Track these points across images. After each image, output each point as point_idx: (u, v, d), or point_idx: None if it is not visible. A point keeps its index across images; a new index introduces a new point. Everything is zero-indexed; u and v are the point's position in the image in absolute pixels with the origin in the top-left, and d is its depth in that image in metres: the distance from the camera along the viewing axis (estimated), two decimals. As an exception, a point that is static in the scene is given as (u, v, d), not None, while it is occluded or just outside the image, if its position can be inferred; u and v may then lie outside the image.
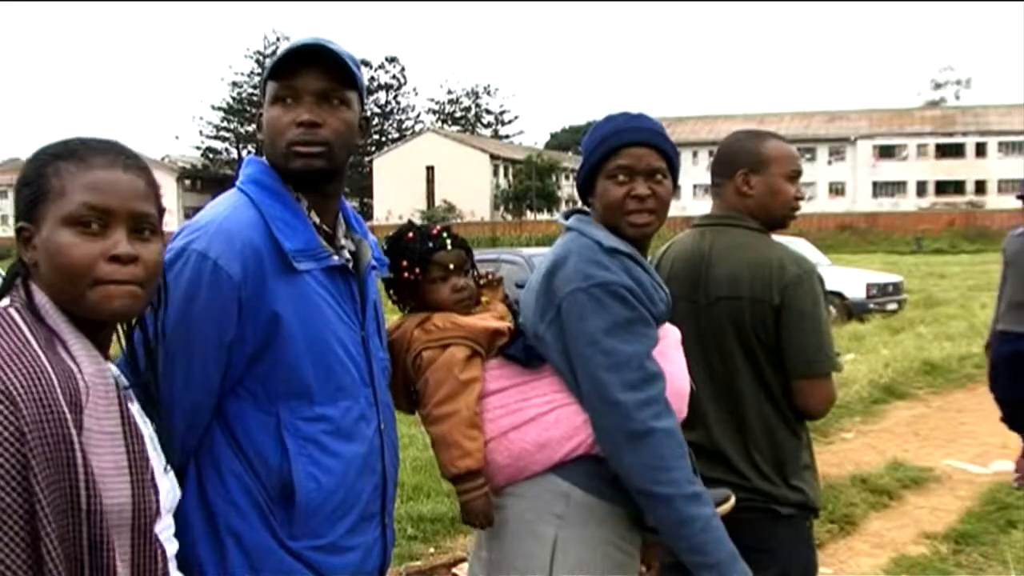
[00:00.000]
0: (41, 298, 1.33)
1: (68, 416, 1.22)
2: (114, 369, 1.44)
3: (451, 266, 2.07)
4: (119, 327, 1.46)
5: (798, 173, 2.52)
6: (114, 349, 1.45)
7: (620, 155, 2.02)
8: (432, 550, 4.72)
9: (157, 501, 1.34)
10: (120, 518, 1.28)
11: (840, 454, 6.77)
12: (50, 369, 1.24)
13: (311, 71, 1.76)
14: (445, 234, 2.11)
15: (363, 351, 1.85)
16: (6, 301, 1.34)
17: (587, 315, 1.92)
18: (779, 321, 2.33)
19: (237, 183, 1.83)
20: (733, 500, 2.12)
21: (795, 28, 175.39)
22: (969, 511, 5.40)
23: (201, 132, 75.39)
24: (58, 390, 1.23)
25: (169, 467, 1.46)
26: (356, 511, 1.81)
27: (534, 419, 1.96)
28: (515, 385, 2.00)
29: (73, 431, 1.22)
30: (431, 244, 2.07)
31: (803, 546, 2.45)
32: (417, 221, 2.27)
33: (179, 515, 1.63)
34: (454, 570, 4.41)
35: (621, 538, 1.99)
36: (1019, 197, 5.93)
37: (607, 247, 1.98)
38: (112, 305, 1.33)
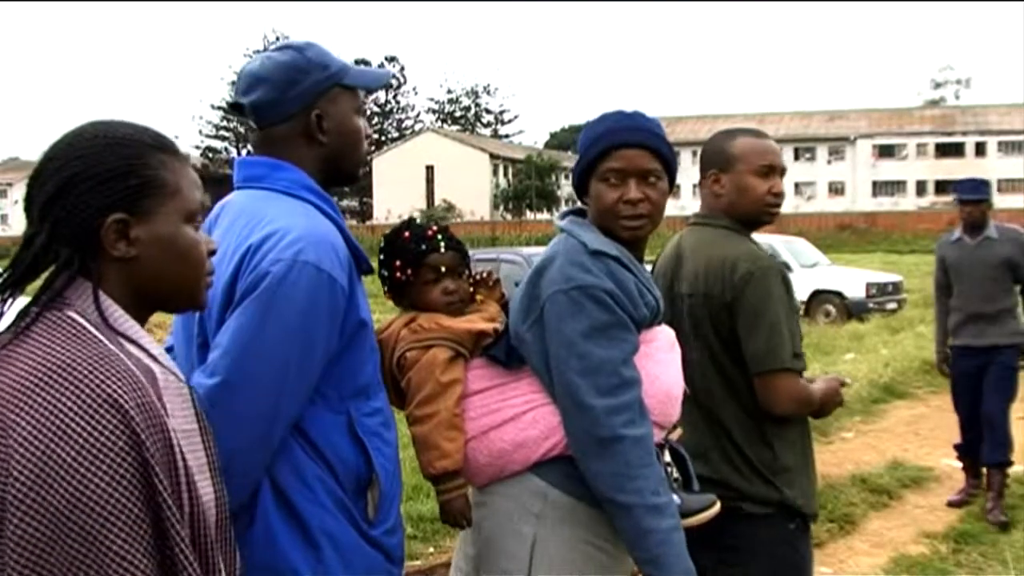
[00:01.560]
0: (106, 298, 1.27)
1: (166, 418, 1.20)
2: None
3: (443, 269, 2.08)
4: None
5: (770, 167, 2.47)
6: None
7: (612, 157, 2.00)
8: (432, 550, 4.72)
9: (226, 495, 1.34)
10: (207, 516, 1.27)
11: (840, 453, 6.78)
12: (137, 371, 1.21)
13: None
14: (440, 236, 2.11)
15: None
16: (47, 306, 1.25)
17: (565, 318, 1.91)
18: (733, 318, 2.34)
19: (277, 187, 1.79)
20: (718, 506, 2.11)
21: (795, 28, 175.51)
22: (969, 511, 5.40)
23: (200, 131, 75.32)
24: (151, 391, 1.20)
25: None
26: (399, 492, 1.91)
27: (512, 419, 1.97)
28: (496, 385, 2.01)
29: (173, 435, 1.20)
30: (424, 246, 2.08)
31: (782, 548, 2.40)
32: (417, 220, 2.28)
33: (261, 525, 1.65)
34: (453, 570, 4.40)
35: (602, 538, 1.97)
36: (959, 201, 5.47)
37: (591, 249, 1.97)
38: (206, 299, 1.41)
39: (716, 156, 2.51)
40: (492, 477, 1.99)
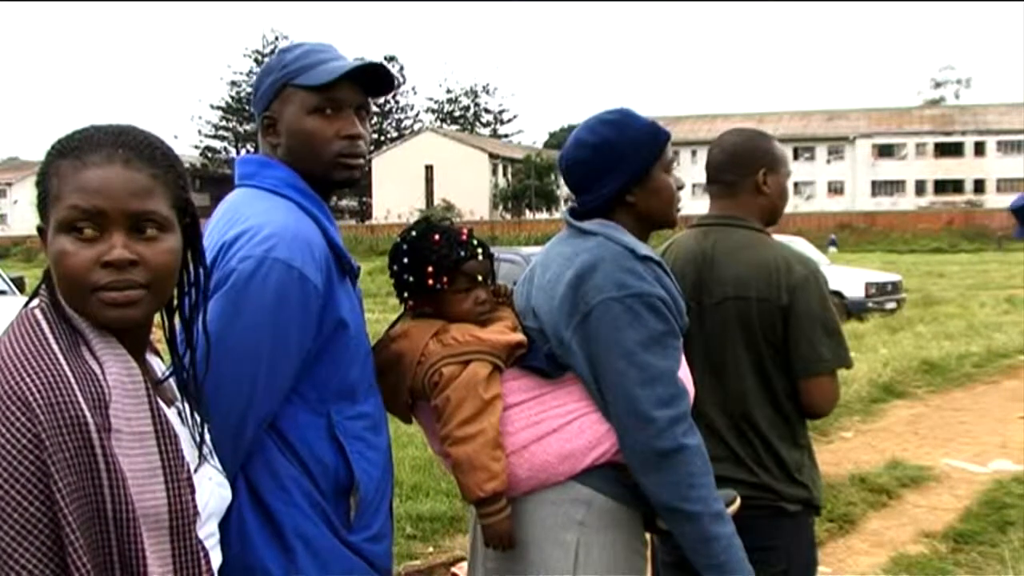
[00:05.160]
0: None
1: (89, 420, 1.18)
2: (158, 366, 1.42)
3: (479, 277, 1.97)
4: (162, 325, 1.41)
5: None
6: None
7: (668, 147, 2.07)
8: (431, 549, 4.72)
9: (194, 502, 1.31)
10: (157, 521, 1.24)
11: (839, 453, 6.77)
12: (68, 372, 1.20)
13: (349, 84, 1.80)
14: (475, 241, 2.00)
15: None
16: (36, 301, 1.30)
17: (622, 327, 1.88)
18: (787, 321, 2.32)
19: (264, 185, 1.79)
20: (739, 502, 2.11)
21: (794, 28, 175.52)
22: (968, 510, 5.39)
23: (200, 131, 75.30)
24: (77, 393, 1.19)
25: (220, 470, 1.44)
26: (387, 500, 1.86)
27: (556, 430, 1.92)
28: (535, 397, 1.95)
29: (95, 436, 1.19)
30: (462, 252, 1.96)
31: (806, 543, 2.45)
32: (431, 219, 2.15)
33: (235, 524, 1.63)
34: (453, 569, 4.41)
35: (638, 540, 1.98)
36: (1013, 210, 4.92)
37: (641, 255, 1.94)
38: (111, 314, 1.26)
39: (765, 156, 2.47)
40: (530, 490, 1.93)
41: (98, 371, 1.24)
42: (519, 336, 1.96)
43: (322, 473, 1.71)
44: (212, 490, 1.40)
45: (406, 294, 2.01)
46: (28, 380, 1.17)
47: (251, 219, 1.69)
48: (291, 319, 1.64)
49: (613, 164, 2.04)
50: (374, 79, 1.83)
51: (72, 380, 1.20)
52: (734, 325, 2.35)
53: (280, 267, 1.63)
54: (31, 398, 1.16)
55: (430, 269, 1.94)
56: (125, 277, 1.26)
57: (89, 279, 1.25)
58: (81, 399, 1.19)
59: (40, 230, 1.31)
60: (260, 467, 1.68)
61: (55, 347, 1.22)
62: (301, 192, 1.78)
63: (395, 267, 2.01)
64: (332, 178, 1.82)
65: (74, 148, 1.29)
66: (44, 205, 1.30)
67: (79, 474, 1.17)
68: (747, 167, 2.47)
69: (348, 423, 1.75)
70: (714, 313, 2.37)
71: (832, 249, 37.51)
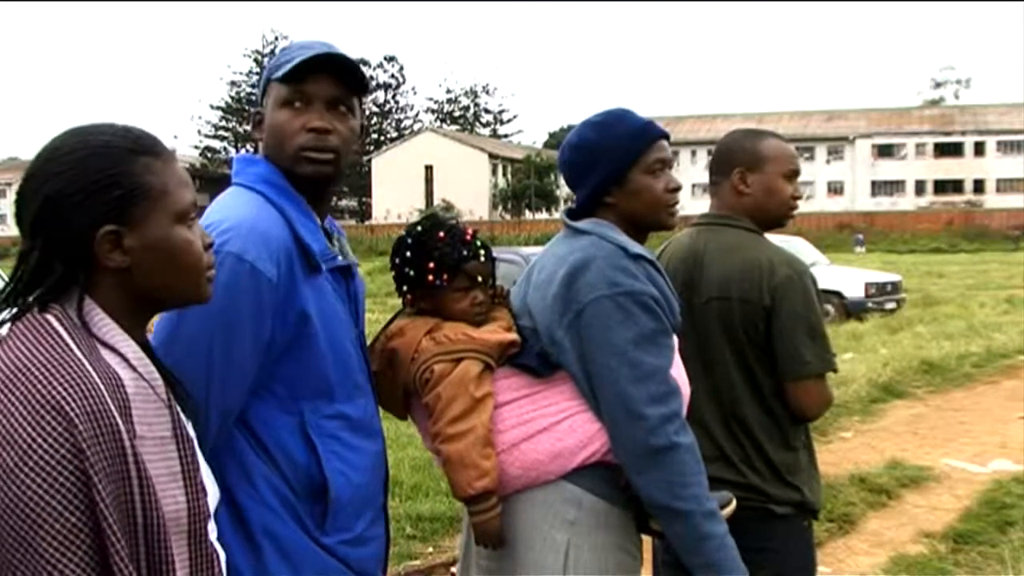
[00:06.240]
0: (91, 304, 1.28)
1: (122, 428, 1.19)
2: None
3: (479, 278, 1.98)
4: None
5: (796, 172, 2.50)
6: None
7: (655, 148, 2.03)
8: (431, 550, 4.72)
9: (207, 503, 1.32)
10: (177, 525, 1.25)
11: (839, 453, 6.77)
12: (96, 378, 1.20)
13: (322, 77, 1.77)
14: (479, 243, 2.01)
15: (360, 350, 1.87)
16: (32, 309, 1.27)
17: (613, 325, 1.88)
18: (769, 322, 2.32)
19: (243, 181, 1.80)
20: (734, 504, 2.11)
21: (794, 28, 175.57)
22: (967, 510, 5.40)
23: (200, 131, 75.41)
24: (108, 399, 1.19)
25: (207, 467, 1.44)
26: (374, 504, 1.84)
27: (547, 429, 1.92)
28: (526, 395, 1.96)
29: (127, 443, 1.19)
30: (466, 251, 1.97)
31: (801, 546, 2.44)
32: (441, 216, 2.16)
33: None
34: (452, 569, 4.40)
35: (630, 541, 1.98)
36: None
37: (633, 253, 1.95)
38: (211, 292, 1.42)
39: (743, 155, 2.47)
40: (521, 488, 1.93)
41: (122, 375, 1.24)
42: (512, 335, 1.96)
43: (293, 471, 1.70)
44: (213, 486, 1.42)
45: (405, 288, 2.02)
46: (61, 388, 1.16)
47: (215, 214, 1.71)
48: (242, 311, 1.63)
49: (590, 165, 2.05)
50: (356, 72, 1.80)
51: (101, 386, 1.20)
52: (718, 326, 2.36)
53: (231, 260, 1.63)
54: (67, 407, 1.15)
55: (431, 265, 1.95)
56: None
57: (204, 263, 1.39)
58: (112, 405, 1.19)
59: (110, 233, 1.27)
60: (231, 463, 1.67)
61: (78, 353, 1.22)
62: (273, 187, 1.77)
63: (397, 260, 2.01)
64: (297, 172, 1.78)
65: (148, 147, 1.34)
66: (129, 204, 1.28)
67: (115, 482, 1.17)
68: (724, 166, 2.50)
69: (322, 422, 1.73)
70: (702, 313, 2.37)
71: (859, 249, 37.32)
